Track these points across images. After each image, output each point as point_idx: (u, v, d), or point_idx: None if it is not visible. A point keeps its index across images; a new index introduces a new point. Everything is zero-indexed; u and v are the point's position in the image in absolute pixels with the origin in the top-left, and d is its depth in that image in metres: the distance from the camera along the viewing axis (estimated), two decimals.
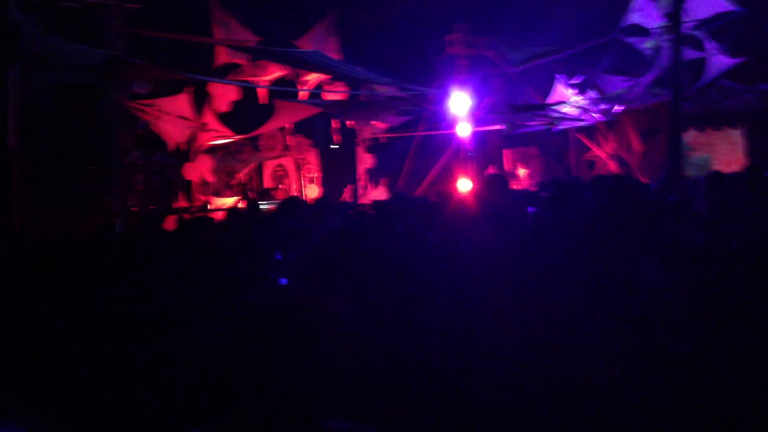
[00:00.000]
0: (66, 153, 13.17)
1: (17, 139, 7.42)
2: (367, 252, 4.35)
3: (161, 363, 3.72)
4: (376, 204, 5.55)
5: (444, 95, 12.49)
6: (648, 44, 10.87)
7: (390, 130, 16.10)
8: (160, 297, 4.33)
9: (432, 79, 12.70)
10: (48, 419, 3.37)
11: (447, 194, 6.75)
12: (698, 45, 10.85)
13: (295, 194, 15.89)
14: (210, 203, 14.74)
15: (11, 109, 6.76)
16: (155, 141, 14.42)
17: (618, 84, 12.66)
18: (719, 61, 11.17)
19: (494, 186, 4.35)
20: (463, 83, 12.59)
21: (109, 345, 3.85)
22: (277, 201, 14.75)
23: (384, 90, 12.34)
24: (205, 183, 15.07)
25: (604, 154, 14.85)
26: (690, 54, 10.51)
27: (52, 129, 13.17)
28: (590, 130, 15.06)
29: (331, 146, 15.98)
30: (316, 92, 13.09)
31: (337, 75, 12.20)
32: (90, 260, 4.80)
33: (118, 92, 13.84)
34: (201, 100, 14.25)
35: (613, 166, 14.44)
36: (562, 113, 13.78)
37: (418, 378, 3.33)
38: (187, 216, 11.62)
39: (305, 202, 7.34)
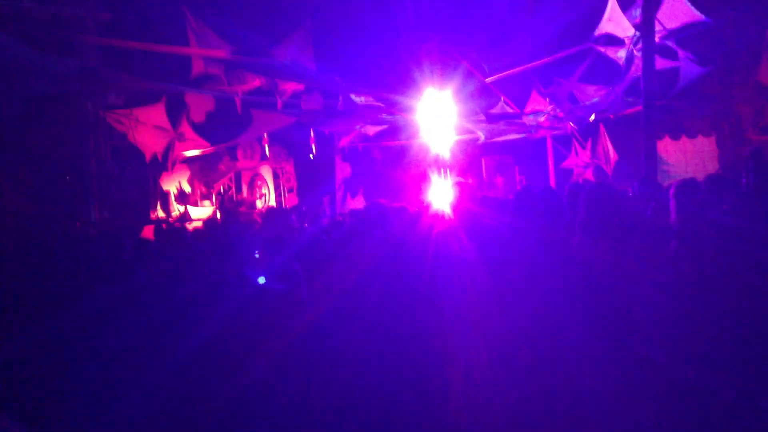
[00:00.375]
0: (40, 163, 13.03)
1: None
2: (344, 260, 4.35)
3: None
4: (353, 213, 5.54)
5: (421, 104, 12.55)
6: (621, 54, 11.00)
7: (368, 139, 16.12)
8: (135, 305, 4.31)
9: (408, 88, 12.75)
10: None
11: (424, 203, 6.78)
12: (670, 54, 11.00)
13: (273, 204, 15.84)
14: (187, 214, 14.63)
15: None
16: (131, 151, 14.30)
17: (593, 93, 12.79)
18: (691, 70, 11.33)
19: (463, 194, 4.35)
20: (439, 92, 12.66)
21: (80, 353, 3.82)
22: (255, 211, 14.69)
23: (360, 99, 12.36)
24: (182, 193, 14.96)
25: (580, 162, 14.98)
26: (662, 63, 10.66)
27: (26, 139, 13.03)
28: (567, 139, 15.20)
29: (309, 156, 15.95)
30: (292, 102, 13.06)
31: (313, 84, 12.19)
32: (65, 271, 4.75)
33: (92, 102, 13.72)
34: (178, 110, 14.16)
35: (589, 174, 14.57)
36: (539, 122, 13.89)
37: (392, 377, 3.33)
38: (164, 227, 11.52)
39: (283, 211, 7.30)
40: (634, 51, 10.38)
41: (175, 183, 14.95)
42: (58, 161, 13.40)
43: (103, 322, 4.15)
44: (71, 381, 3.79)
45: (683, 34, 10.43)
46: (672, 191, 3.88)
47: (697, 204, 3.82)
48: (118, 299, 4.34)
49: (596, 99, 12.59)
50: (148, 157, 14.19)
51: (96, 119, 13.91)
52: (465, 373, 3.42)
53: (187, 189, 15.12)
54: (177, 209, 14.93)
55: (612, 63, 11.52)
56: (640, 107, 9.76)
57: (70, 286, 4.46)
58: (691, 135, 15.05)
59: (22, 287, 4.41)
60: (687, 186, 3.91)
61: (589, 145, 14.59)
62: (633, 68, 10.75)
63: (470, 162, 16.64)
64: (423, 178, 14.64)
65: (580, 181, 13.65)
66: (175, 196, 15.02)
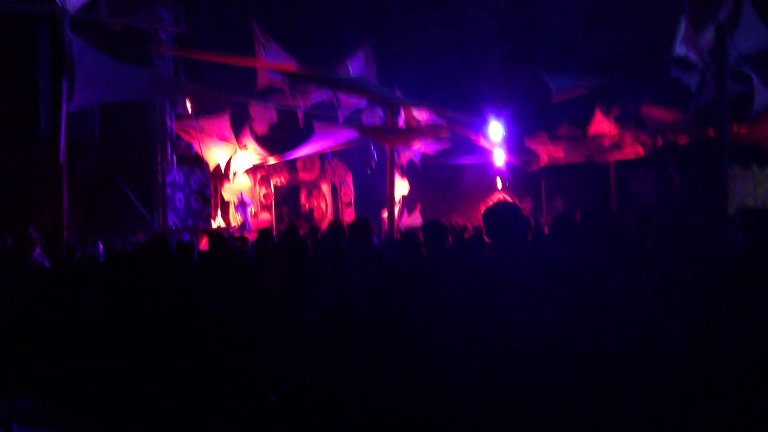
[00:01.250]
0: (110, 169, 13.48)
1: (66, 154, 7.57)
2: (402, 278, 4.32)
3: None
4: (410, 230, 5.41)
5: (481, 123, 12.47)
6: (692, 77, 10.70)
7: (428, 156, 16.10)
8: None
9: (469, 107, 12.70)
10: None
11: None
12: (745, 80, 10.64)
13: (331, 217, 15.97)
14: (247, 223, 14.88)
15: (62, 124, 6.93)
16: (195, 160, 14.68)
17: (660, 116, 12.47)
18: (765, 96, 10.93)
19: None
20: (500, 111, 12.56)
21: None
22: (312, 223, 14.83)
23: (422, 116, 12.37)
24: (242, 203, 15.23)
25: (644, 188, 14.62)
26: (736, 88, 10.32)
27: (98, 145, 13.53)
28: (631, 163, 14.84)
29: (368, 170, 16.04)
30: (354, 117, 13.19)
31: (375, 99, 12.29)
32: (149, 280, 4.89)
33: (161, 112, 14.16)
34: (241, 121, 14.48)
35: (653, 200, 14.20)
36: (603, 145, 13.62)
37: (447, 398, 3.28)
38: (225, 236, 11.72)
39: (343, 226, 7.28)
40: (707, 75, 10.08)
41: (236, 193, 15.24)
42: (125, 168, 13.84)
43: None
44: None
45: (759, 58, 10.08)
46: (738, 219, 3.74)
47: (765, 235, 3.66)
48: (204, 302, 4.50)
49: (663, 123, 12.27)
50: (211, 166, 14.54)
51: (163, 128, 14.33)
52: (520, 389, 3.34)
53: (248, 199, 15.39)
54: (237, 218, 15.20)
55: (683, 86, 11.21)
56: (710, 133, 9.46)
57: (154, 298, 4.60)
58: (763, 164, 14.47)
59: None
60: (753, 214, 3.76)
61: (654, 170, 14.23)
62: (705, 93, 10.44)
63: (530, 182, 16.43)
64: (484, 196, 14.52)
65: (644, 206, 13.33)
66: (235, 205, 15.30)
